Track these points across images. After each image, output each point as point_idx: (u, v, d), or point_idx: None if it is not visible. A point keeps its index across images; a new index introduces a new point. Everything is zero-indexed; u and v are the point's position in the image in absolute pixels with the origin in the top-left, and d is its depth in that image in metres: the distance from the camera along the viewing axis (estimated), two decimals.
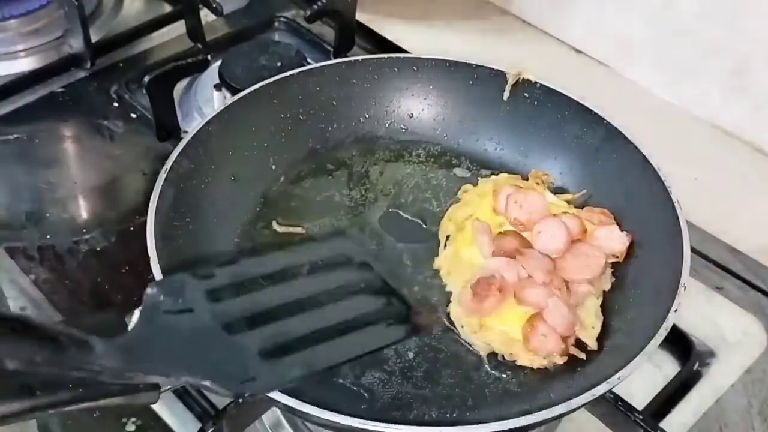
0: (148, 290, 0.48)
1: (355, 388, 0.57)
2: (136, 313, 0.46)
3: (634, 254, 0.64)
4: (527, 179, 0.70)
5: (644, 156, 0.65)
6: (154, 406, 0.63)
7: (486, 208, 0.67)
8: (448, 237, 0.66)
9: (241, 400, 0.57)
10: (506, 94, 0.73)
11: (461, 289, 0.61)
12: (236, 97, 0.70)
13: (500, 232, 0.64)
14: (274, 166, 0.72)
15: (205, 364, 0.46)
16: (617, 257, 0.63)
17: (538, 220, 0.65)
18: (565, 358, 0.58)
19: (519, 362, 0.59)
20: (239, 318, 0.50)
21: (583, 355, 0.58)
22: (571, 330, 0.59)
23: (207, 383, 0.45)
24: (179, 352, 0.46)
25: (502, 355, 0.59)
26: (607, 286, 0.63)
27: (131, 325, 0.45)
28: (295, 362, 0.49)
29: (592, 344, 0.59)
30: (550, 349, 0.58)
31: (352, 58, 0.75)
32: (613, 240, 0.64)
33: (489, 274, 0.60)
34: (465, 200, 0.69)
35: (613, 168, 0.68)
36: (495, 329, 0.59)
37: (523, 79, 0.73)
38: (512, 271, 0.61)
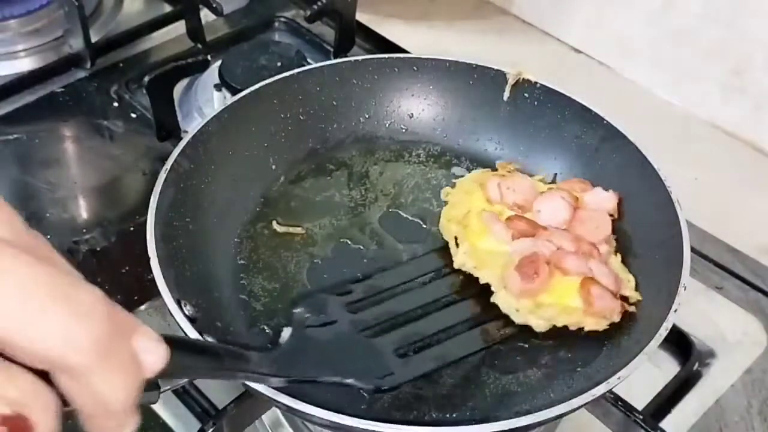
0: (296, 310, 0.56)
1: None
2: (287, 331, 0.53)
3: (634, 253, 0.64)
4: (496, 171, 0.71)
5: (644, 156, 0.65)
6: (154, 406, 0.63)
7: (479, 202, 0.67)
8: (456, 238, 0.66)
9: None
10: (506, 94, 0.73)
11: (503, 276, 0.61)
12: (236, 97, 0.70)
13: (507, 218, 0.65)
14: (274, 166, 0.72)
15: (348, 365, 0.54)
16: (613, 215, 0.66)
17: (533, 199, 0.66)
18: (620, 315, 0.59)
19: (587, 328, 0.59)
20: (375, 324, 0.58)
21: (633, 308, 0.60)
22: (620, 286, 0.61)
23: (350, 381, 0.52)
24: (325, 357, 0.53)
25: (565, 326, 0.60)
26: (614, 244, 0.65)
27: (282, 340, 0.52)
28: (428, 357, 0.57)
29: (635, 295, 0.61)
30: (611, 308, 0.59)
31: (352, 58, 0.75)
32: (603, 200, 0.66)
33: (529, 254, 0.61)
34: (452, 201, 0.69)
35: (613, 168, 0.68)
36: (552, 304, 0.60)
37: (523, 79, 0.73)
38: (544, 246, 0.62)
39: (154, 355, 0.33)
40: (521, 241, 0.63)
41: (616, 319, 0.59)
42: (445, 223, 0.67)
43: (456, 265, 0.64)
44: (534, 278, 0.59)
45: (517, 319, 0.60)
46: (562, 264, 0.61)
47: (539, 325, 0.60)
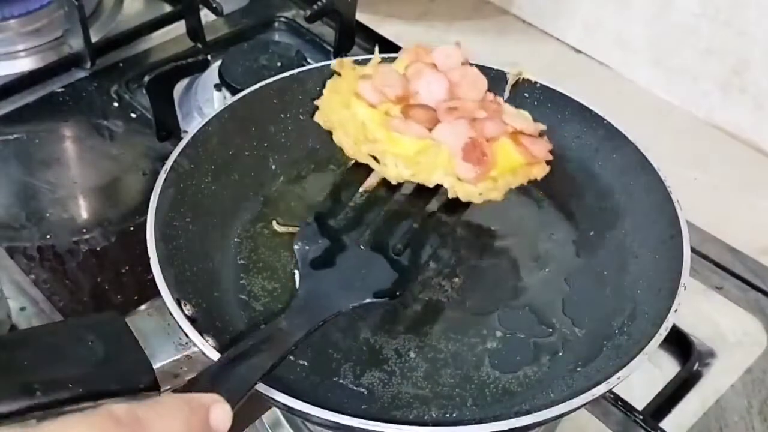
0: (296, 247, 0.57)
1: (355, 388, 0.57)
2: (296, 275, 0.54)
3: (634, 253, 0.64)
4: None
5: (644, 156, 0.65)
6: None
7: (365, 111, 0.64)
8: (374, 158, 0.63)
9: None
10: (506, 94, 0.73)
11: (452, 167, 0.60)
12: (236, 97, 0.70)
13: (403, 114, 0.62)
14: (274, 166, 0.72)
15: (363, 284, 0.55)
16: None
17: (407, 84, 0.64)
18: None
19: (538, 177, 0.61)
20: (366, 229, 0.59)
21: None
22: (534, 125, 0.63)
23: (368, 300, 0.53)
24: (340, 284, 0.54)
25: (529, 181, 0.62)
26: None
27: (297, 286, 0.53)
28: (416, 250, 0.58)
29: (539, 126, 0.64)
30: (544, 148, 0.62)
31: (352, 58, 0.75)
32: (451, 55, 0.65)
33: (465, 139, 0.60)
34: (338, 122, 0.66)
35: (613, 168, 0.68)
36: (503, 172, 0.60)
37: (523, 79, 0.73)
38: (462, 122, 0.61)
39: (225, 419, 0.39)
40: (438, 129, 0.61)
41: (550, 156, 0.62)
42: (355, 149, 0.64)
43: (394, 180, 0.62)
44: (484, 159, 0.59)
45: (480, 200, 0.60)
46: (487, 133, 0.60)
47: (502, 195, 0.60)
